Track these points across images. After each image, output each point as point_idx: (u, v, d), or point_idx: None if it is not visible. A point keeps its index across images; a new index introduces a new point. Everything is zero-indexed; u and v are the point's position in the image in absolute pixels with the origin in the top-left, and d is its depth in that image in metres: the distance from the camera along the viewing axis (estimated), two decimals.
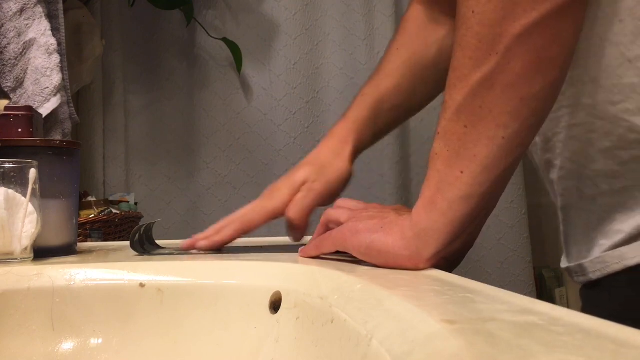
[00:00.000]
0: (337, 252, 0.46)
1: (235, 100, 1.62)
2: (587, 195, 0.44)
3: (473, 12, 0.35)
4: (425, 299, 0.29)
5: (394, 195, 1.61)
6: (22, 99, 0.93)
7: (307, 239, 0.56)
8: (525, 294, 0.28)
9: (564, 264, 0.51)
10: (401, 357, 0.22)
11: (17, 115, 0.67)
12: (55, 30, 1.00)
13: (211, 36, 1.57)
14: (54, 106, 0.94)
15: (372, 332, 0.26)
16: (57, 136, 0.98)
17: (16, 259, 0.51)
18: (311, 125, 1.63)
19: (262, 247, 0.61)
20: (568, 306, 1.70)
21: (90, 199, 1.19)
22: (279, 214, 0.60)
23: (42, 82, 0.93)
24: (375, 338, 0.25)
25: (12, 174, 0.52)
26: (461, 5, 0.36)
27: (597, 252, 0.44)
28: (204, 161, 1.60)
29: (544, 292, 1.78)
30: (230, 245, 0.61)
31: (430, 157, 0.39)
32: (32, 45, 0.94)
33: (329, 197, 0.60)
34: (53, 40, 0.95)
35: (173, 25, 1.61)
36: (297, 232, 0.60)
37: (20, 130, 0.67)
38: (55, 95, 0.94)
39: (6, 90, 0.93)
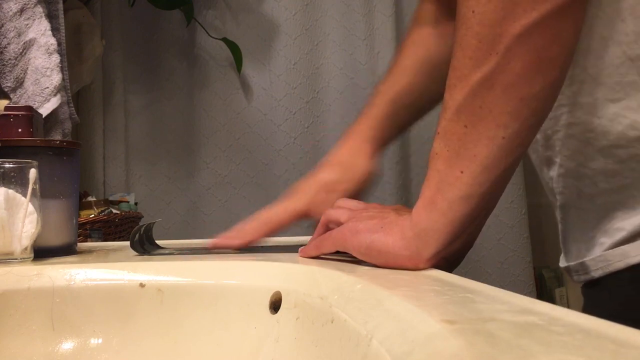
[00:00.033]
0: (337, 252, 0.46)
1: (235, 100, 1.62)
2: (586, 193, 0.44)
3: (473, 12, 0.35)
4: (425, 299, 0.29)
5: (394, 195, 1.61)
6: (22, 99, 0.93)
7: (308, 239, 0.56)
8: (525, 294, 0.28)
9: (562, 263, 0.51)
10: (401, 357, 0.22)
11: (17, 115, 0.67)
12: (55, 30, 1.00)
13: (211, 36, 1.57)
14: (54, 106, 0.94)
15: (372, 332, 0.26)
16: (57, 136, 0.98)
17: (16, 259, 0.51)
18: (311, 125, 1.63)
19: (262, 247, 0.61)
20: (568, 306, 1.70)
21: (90, 199, 1.19)
22: (303, 215, 0.59)
23: (42, 82, 0.93)
24: (375, 338, 0.25)
25: (12, 174, 0.52)
26: (461, 5, 0.36)
27: (598, 251, 0.44)
28: (204, 161, 1.60)
29: (544, 292, 1.78)
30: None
31: (430, 157, 0.39)
32: (32, 45, 0.94)
33: (355, 197, 0.60)
34: (53, 40, 0.95)
35: (173, 25, 1.61)
36: None
37: (20, 130, 0.67)
38: (55, 95, 0.94)
39: (6, 90, 0.93)
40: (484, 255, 1.64)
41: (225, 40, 1.55)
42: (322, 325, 0.34)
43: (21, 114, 0.67)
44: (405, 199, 1.63)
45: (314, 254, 0.48)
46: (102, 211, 1.10)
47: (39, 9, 0.95)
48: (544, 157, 0.48)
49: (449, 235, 0.38)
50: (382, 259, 0.40)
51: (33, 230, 0.53)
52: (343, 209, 0.48)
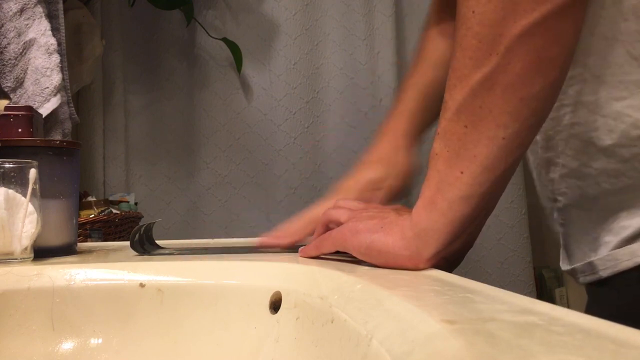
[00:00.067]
0: (337, 252, 0.46)
1: (235, 100, 1.62)
2: (590, 194, 0.44)
3: (473, 12, 0.35)
4: (425, 299, 0.29)
5: None
6: (22, 99, 0.93)
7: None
8: (525, 294, 0.28)
9: (565, 266, 0.51)
10: (401, 357, 0.22)
11: (17, 115, 0.67)
12: (55, 30, 1.00)
13: (211, 36, 1.57)
14: (54, 106, 0.94)
15: (372, 332, 0.26)
16: (57, 136, 0.98)
17: (16, 259, 0.51)
18: (311, 125, 1.63)
19: (262, 247, 0.61)
20: (568, 306, 1.70)
21: (90, 199, 1.19)
22: None
23: (42, 82, 0.93)
24: (375, 338, 0.25)
25: (12, 174, 0.52)
26: (461, 6, 0.36)
27: (604, 250, 0.44)
28: (204, 161, 1.60)
29: (544, 292, 1.78)
30: (229, 245, 0.61)
31: (430, 157, 0.39)
32: (32, 45, 0.94)
33: (402, 193, 0.60)
34: (53, 40, 0.95)
35: (173, 25, 1.61)
36: None
37: (20, 130, 0.67)
38: (55, 95, 0.94)
39: (6, 90, 0.93)
40: (484, 255, 1.64)
41: (225, 40, 1.55)
42: (322, 325, 0.34)
43: (21, 114, 0.67)
44: (405, 199, 1.63)
45: (314, 254, 0.48)
46: (102, 211, 1.10)
47: (39, 9, 0.95)
48: (543, 159, 0.48)
49: (449, 235, 0.38)
50: (382, 259, 0.40)
51: (33, 230, 0.53)
52: (343, 209, 0.48)
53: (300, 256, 0.49)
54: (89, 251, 0.63)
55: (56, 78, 0.94)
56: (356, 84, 1.65)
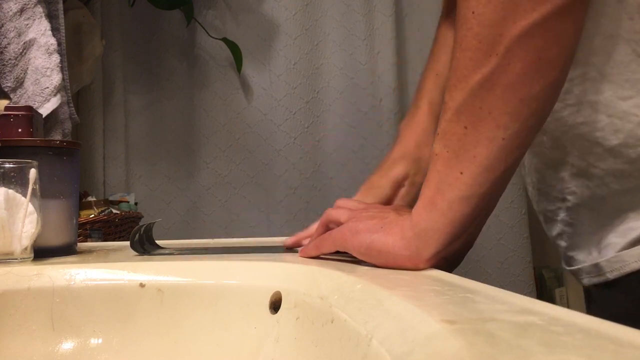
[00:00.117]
0: (337, 252, 0.46)
1: (235, 100, 1.62)
2: (598, 194, 0.44)
3: (473, 12, 0.35)
4: (425, 299, 0.29)
5: None
6: (22, 99, 0.93)
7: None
8: (525, 294, 0.28)
9: (569, 266, 0.51)
10: (401, 357, 0.22)
11: (17, 115, 0.67)
12: (55, 30, 1.00)
13: (211, 36, 1.57)
14: (54, 106, 0.94)
15: (372, 332, 0.26)
16: (57, 136, 0.98)
17: (16, 259, 0.51)
18: (311, 125, 1.63)
19: (262, 247, 0.61)
20: (568, 306, 1.70)
21: (90, 199, 1.19)
22: None
23: (42, 82, 0.93)
24: (375, 338, 0.25)
25: (12, 174, 0.52)
26: (461, 6, 0.36)
27: (611, 252, 0.44)
28: (204, 161, 1.60)
29: (544, 292, 1.78)
30: (229, 245, 0.61)
31: (430, 157, 0.39)
32: (32, 45, 0.94)
33: None
34: (53, 40, 0.95)
35: (173, 25, 1.61)
36: None
37: (20, 130, 0.67)
38: (55, 95, 0.94)
39: (6, 90, 0.93)
40: (484, 255, 1.64)
41: (225, 40, 1.55)
42: (322, 325, 0.34)
43: (21, 114, 0.67)
44: None
45: (314, 254, 0.48)
46: (102, 211, 1.10)
47: (39, 9, 0.95)
48: (551, 159, 0.47)
49: (449, 236, 0.38)
50: (382, 259, 0.40)
51: (33, 230, 0.53)
52: (343, 209, 0.48)
53: (300, 256, 0.49)
54: (89, 251, 0.63)
55: (56, 78, 0.94)
56: (356, 84, 1.65)
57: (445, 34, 0.63)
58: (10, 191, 0.52)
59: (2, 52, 0.92)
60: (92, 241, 0.95)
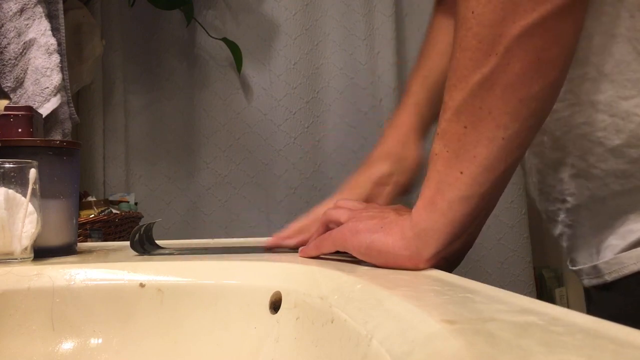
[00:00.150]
0: (337, 252, 0.46)
1: (235, 100, 1.62)
2: (598, 195, 0.44)
3: (473, 12, 0.35)
4: (425, 299, 0.29)
5: None
6: (22, 99, 0.93)
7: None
8: (525, 294, 0.28)
9: (572, 266, 0.51)
10: (401, 357, 0.22)
11: (17, 115, 0.67)
12: (55, 30, 1.00)
13: (211, 36, 1.57)
14: (54, 106, 0.94)
15: (372, 332, 0.26)
16: (57, 136, 0.98)
17: (16, 259, 0.51)
18: (311, 125, 1.63)
19: (262, 247, 0.61)
20: (568, 306, 1.70)
21: (90, 199, 1.19)
22: None
23: (42, 82, 0.93)
24: (375, 338, 0.25)
25: (12, 174, 0.52)
26: (461, 6, 0.36)
27: (610, 254, 0.44)
28: (204, 161, 1.60)
29: (544, 292, 1.78)
30: (229, 245, 0.61)
31: (430, 157, 0.39)
32: (32, 45, 0.94)
33: (409, 188, 0.60)
34: (53, 40, 0.95)
35: (173, 25, 1.61)
36: None
37: (20, 130, 0.67)
38: (55, 95, 0.94)
39: (6, 90, 0.93)
40: (484, 255, 1.64)
41: (225, 40, 1.55)
42: (322, 325, 0.34)
43: (21, 114, 0.67)
44: (406, 199, 1.63)
45: (314, 254, 0.48)
46: (102, 211, 1.10)
47: (39, 9, 0.95)
48: (551, 160, 0.47)
49: (449, 236, 0.38)
50: (382, 259, 0.40)
51: (33, 230, 0.53)
52: (343, 209, 0.48)
53: (300, 256, 0.49)
54: (89, 251, 0.63)
55: (56, 78, 0.94)
56: (356, 84, 1.65)
57: (435, 32, 0.63)
58: (10, 191, 0.52)
59: (2, 52, 0.92)
60: (92, 241, 0.95)
